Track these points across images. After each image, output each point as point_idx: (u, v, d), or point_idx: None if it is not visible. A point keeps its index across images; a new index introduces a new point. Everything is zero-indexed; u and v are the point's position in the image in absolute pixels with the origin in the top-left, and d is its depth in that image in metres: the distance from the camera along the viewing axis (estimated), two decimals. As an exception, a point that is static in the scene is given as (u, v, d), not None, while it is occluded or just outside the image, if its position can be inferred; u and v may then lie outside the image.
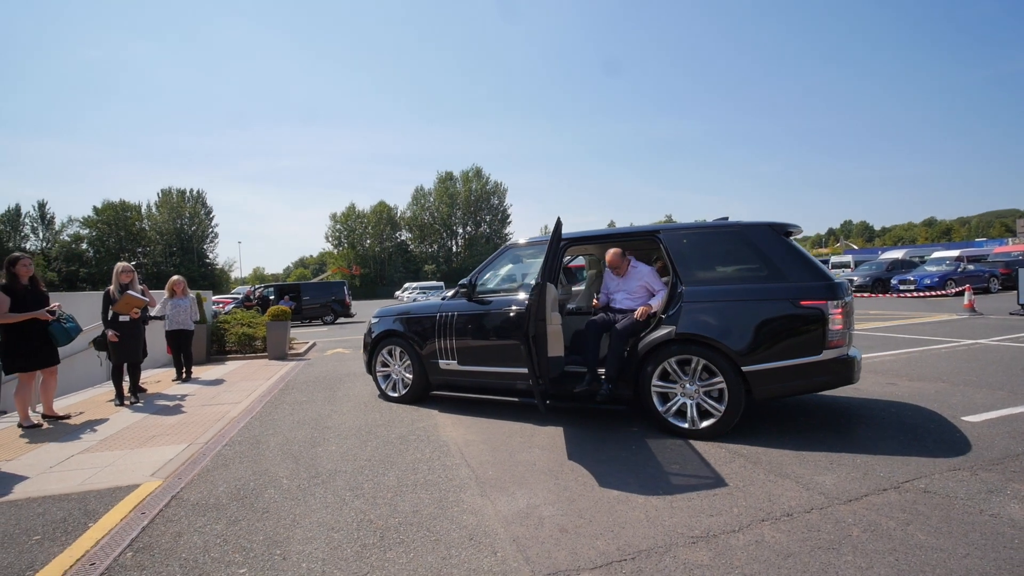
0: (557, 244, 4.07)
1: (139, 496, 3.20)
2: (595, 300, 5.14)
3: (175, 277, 7.73)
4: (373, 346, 5.91)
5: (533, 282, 4.62)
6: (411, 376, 5.61)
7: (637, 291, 4.62)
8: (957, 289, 17.54)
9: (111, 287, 6.03)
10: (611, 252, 4.72)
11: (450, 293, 5.56)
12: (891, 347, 7.97)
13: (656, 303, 4.38)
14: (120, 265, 6.13)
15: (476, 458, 3.81)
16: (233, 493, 3.24)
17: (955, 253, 23.32)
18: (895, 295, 18.89)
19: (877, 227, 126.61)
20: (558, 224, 4.06)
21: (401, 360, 5.73)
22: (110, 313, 5.94)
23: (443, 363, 5.30)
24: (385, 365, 5.88)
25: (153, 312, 7.00)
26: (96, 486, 3.40)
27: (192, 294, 8.03)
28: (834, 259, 34.62)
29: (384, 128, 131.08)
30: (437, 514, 2.90)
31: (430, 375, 5.47)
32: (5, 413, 5.77)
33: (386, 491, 3.24)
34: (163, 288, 8.03)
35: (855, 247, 67.73)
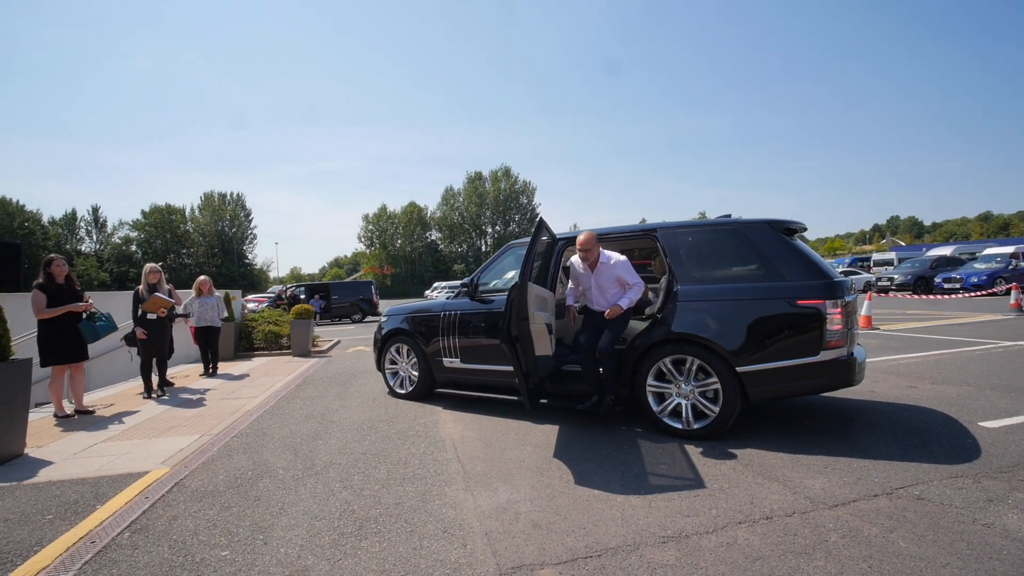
0: (535, 245, 3.96)
1: (146, 482, 3.42)
2: (569, 305, 4.79)
3: (201, 277, 8.13)
4: (382, 344, 6.07)
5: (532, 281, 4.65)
6: (417, 374, 5.73)
7: (611, 287, 4.31)
8: (1007, 287, 16.49)
9: (140, 287, 6.41)
10: (585, 234, 4.28)
11: (454, 292, 5.65)
12: (921, 348, 7.61)
13: (626, 302, 4.18)
14: (148, 266, 6.49)
15: (468, 454, 3.87)
16: (230, 481, 3.42)
17: (1010, 249, 21.89)
18: (939, 295, 17.92)
19: (927, 222, 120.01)
20: (538, 224, 4.07)
21: (408, 358, 5.86)
22: (139, 311, 6.31)
23: (447, 361, 5.40)
24: (393, 363, 6.02)
25: (179, 310, 7.38)
26: (110, 472, 3.64)
27: (217, 293, 8.41)
28: (876, 256, 33.13)
29: (415, 129, 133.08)
30: (418, 507, 2.98)
31: (435, 373, 5.58)
32: (42, 404, 6.20)
33: (374, 484, 3.34)
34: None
35: (902, 243, 64.50)
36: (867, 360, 6.77)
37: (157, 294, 6.30)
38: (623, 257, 4.33)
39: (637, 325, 4.46)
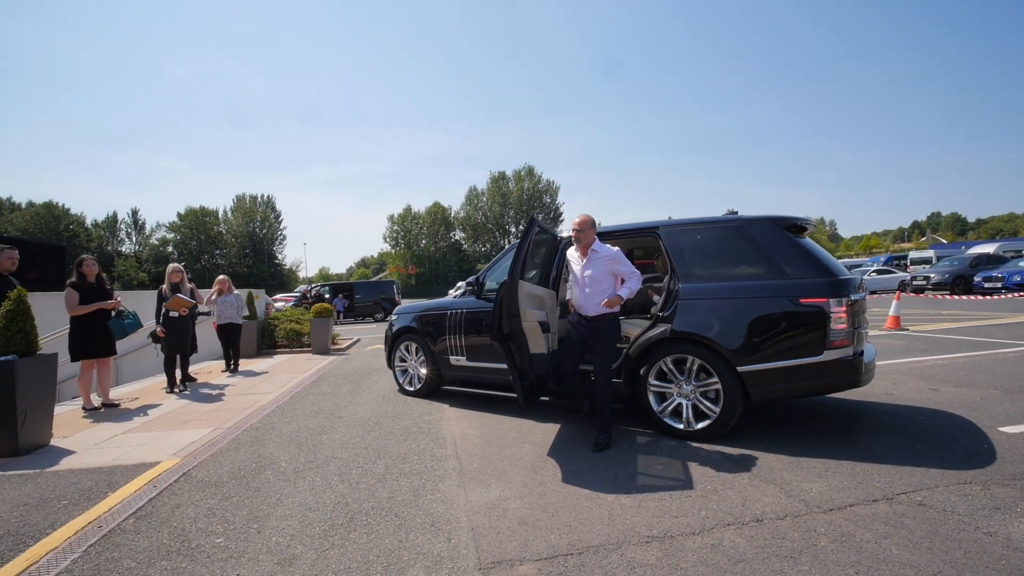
0: (525, 244, 3.83)
1: (156, 472, 3.58)
2: (569, 302, 4.25)
3: (221, 276, 8.42)
4: (392, 342, 6.18)
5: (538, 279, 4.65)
6: (425, 371, 5.80)
7: (604, 279, 3.85)
8: (1053, 287, 15.61)
9: (164, 286, 6.69)
10: (581, 216, 3.95)
11: (460, 291, 5.71)
12: (949, 350, 7.28)
13: (626, 292, 3.76)
14: (171, 266, 6.78)
15: (467, 451, 3.92)
16: (234, 473, 3.55)
17: (1058, 247, 20.71)
18: (979, 295, 17.06)
19: (971, 219, 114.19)
20: (529, 223, 4.05)
21: (417, 356, 5.94)
22: (162, 309, 6.58)
23: (454, 359, 5.46)
24: (403, 360, 6.12)
25: (201, 309, 7.66)
26: (125, 462, 3.82)
27: (236, 291, 8.68)
28: (913, 254, 31.81)
29: (439, 130, 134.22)
30: (410, 501, 3.03)
31: (442, 371, 5.64)
32: (77, 398, 6.53)
33: (371, 478, 3.41)
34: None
35: (944, 241, 61.60)
36: (890, 362, 6.55)
37: (179, 295, 6.56)
38: (616, 248, 3.94)
39: (640, 323, 4.41)
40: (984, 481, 2.95)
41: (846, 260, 39.46)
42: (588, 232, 3.93)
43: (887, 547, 2.33)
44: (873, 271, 24.79)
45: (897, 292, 11.68)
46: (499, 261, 5.54)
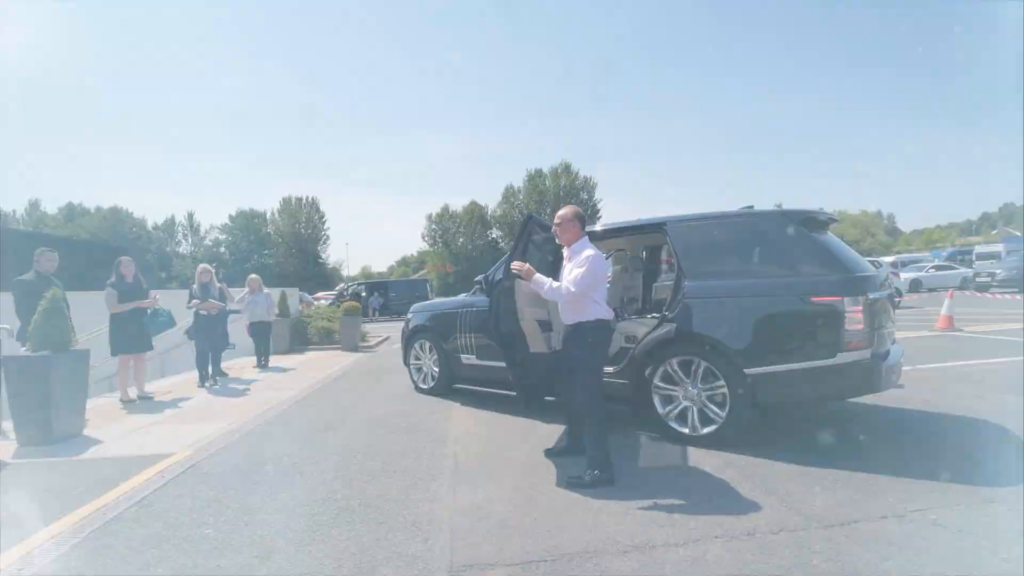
0: (523, 242, 3.80)
1: (168, 463, 3.75)
2: None
3: (252, 276, 8.78)
4: (408, 340, 6.26)
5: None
6: (438, 369, 5.85)
7: None
8: None
9: (194, 284, 7.06)
10: (564, 209, 3.40)
11: (472, 290, 5.71)
12: (1005, 353, 6.70)
13: (546, 284, 3.24)
14: (200, 267, 7.17)
15: (465, 450, 3.91)
16: (238, 466, 3.68)
17: None
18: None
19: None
20: (526, 221, 3.97)
21: (431, 354, 5.99)
22: (192, 305, 6.95)
23: (464, 358, 5.46)
24: (417, 359, 6.18)
25: (231, 307, 8.00)
26: (143, 452, 4.03)
27: (267, 290, 9.02)
28: (978, 248, 29.52)
29: (476, 129, 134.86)
30: (398, 499, 3.04)
31: (454, 369, 5.66)
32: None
33: (365, 475, 3.45)
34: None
35: (1017, 234, 56.64)
36: (935, 365, 6.08)
37: (211, 299, 6.91)
38: (596, 253, 3.23)
39: (648, 323, 4.27)
40: (1013, 501, 2.67)
41: (904, 256, 36.96)
42: (566, 226, 3.31)
43: (887, 569, 2.14)
44: (932, 267, 23.14)
45: (951, 290, 10.86)
46: (509, 259, 5.49)
